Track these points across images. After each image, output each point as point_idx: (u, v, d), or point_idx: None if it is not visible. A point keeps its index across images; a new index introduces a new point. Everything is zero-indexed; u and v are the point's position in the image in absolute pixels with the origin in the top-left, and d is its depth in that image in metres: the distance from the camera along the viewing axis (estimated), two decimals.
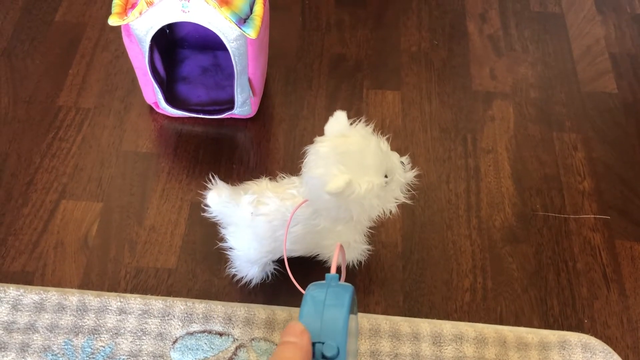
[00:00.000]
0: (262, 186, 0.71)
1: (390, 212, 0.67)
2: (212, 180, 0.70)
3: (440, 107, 1.02)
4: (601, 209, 0.92)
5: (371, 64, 1.07)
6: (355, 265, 0.81)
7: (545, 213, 0.91)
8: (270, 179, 0.73)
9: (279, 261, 0.77)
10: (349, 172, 0.60)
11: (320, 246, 0.74)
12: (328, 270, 0.78)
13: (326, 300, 0.49)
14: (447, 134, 0.99)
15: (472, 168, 0.95)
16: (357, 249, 0.77)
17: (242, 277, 0.79)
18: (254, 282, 0.80)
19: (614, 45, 1.12)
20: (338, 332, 0.47)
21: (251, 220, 0.69)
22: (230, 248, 0.74)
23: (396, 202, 0.67)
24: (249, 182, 0.72)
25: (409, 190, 0.68)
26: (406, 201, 0.68)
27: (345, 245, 0.72)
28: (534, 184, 0.94)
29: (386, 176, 0.64)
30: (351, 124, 0.65)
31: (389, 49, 1.10)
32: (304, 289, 0.64)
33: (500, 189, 0.93)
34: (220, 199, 0.69)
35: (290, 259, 0.70)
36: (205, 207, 0.71)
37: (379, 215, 0.69)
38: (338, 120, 0.65)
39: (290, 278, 0.67)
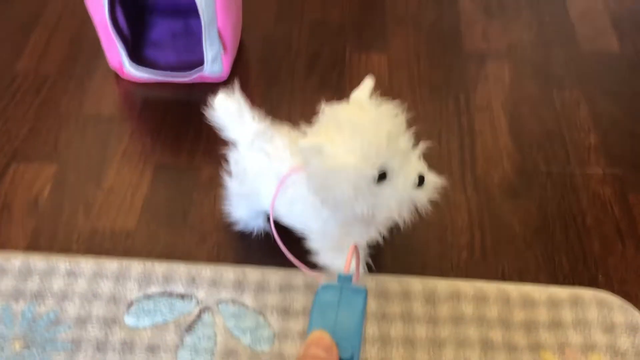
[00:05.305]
0: (291, 135, 0.63)
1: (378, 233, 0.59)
2: (231, 92, 0.63)
3: (429, 68, 0.95)
4: (610, 162, 0.83)
5: (355, 26, 1.00)
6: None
7: (548, 168, 0.82)
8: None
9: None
10: (333, 141, 0.51)
11: (304, 224, 0.64)
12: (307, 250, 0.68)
13: (339, 309, 0.44)
14: (437, 93, 0.91)
15: (465, 125, 0.87)
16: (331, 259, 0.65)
17: (229, 214, 0.71)
18: (238, 226, 0.73)
19: (614, 1, 1.05)
20: (351, 340, 0.43)
21: (249, 148, 0.63)
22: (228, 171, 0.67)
23: (386, 213, 0.54)
24: (285, 126, 0.65)
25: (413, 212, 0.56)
26: (398, 222, 0.56)
27: (338, 249, 0.62)
28: (534, 139, 0.85)
29: (384, 176, 0.52)
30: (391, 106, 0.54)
31: (373, 11, 1.03)
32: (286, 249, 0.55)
33: (497, 145, 0.84)
34: (226, 104, 0.63)
35: (276, 225, 0.62)
36: (210, 107, 0.64)
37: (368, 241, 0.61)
38: (362, 88, 0.55)
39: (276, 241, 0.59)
